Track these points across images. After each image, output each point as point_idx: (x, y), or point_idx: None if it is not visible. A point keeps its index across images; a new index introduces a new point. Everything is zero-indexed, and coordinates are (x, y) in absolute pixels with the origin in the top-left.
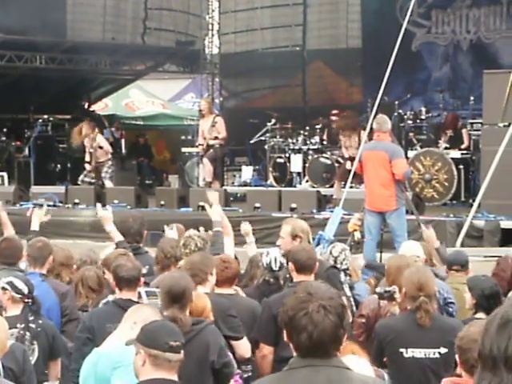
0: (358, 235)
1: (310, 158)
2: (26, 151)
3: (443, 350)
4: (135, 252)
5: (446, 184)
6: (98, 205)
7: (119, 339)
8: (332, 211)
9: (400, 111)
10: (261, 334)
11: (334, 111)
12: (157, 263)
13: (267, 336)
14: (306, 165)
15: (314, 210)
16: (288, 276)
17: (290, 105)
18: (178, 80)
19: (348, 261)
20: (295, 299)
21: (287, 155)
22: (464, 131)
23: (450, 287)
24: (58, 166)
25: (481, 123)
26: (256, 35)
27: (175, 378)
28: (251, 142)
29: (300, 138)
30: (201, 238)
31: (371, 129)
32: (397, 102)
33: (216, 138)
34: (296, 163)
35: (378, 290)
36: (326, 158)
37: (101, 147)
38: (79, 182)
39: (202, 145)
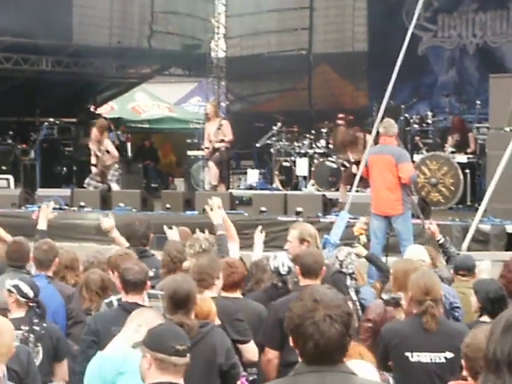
0: (363, 239)
1: (315, 161)
2: (32, 154)
3: (449, 355)
4: (141, 255)
5: (452, 188)
6: (101, 217)
7: (123, 342)
8: (338, 215)
9: (406, 115)
10: (266, 338)
11: (340, 115)
12: (163, 266)
13: (273, 340)
14: (312, 168)
15: (320, 214)
16: (296, 280)
17: (296, 108)
18: (184, 83)
19: (354, 265)
20: (302, 307)
21: (293, 159)
22: (470, 135)
23: (457, 291)
24: (64, 168)
25: (487, 127)
26: (262, 39)
27: (181, 381)
28: (257, 145)
29: (306, 142)
30: (207, 240)
31: (377, 133)
32: (403, 106)
33: (222, 140)
34: (302, 167)
35: (384, 296)
36: (332, 161)
37: (108, 151)
38: (85, 185)
39: (208, 148)
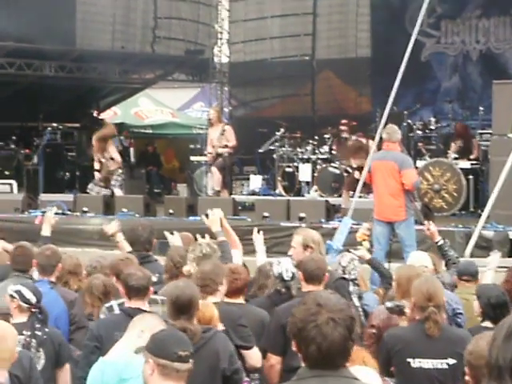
0: (366, 245)
1: (318, 167)
2: (35, 159)
3: (451, 361)
4: (145, 260)
5: (455, 194)
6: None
7: (126, 348)
8: (340, 221)
9: (409, 121)
10: (269, 343)
11: (343, 121)
12: (166, 272)
13: (275, 345)
14: (315, 174)
15: (323, 220)
16: (299, 286)
17: (299, 114)
18: (187, 89)
19: (356, 271)
20: (304, 311)
21: (296, 164)
22: (473, 141)
23: (460, 298)
24: (67, 174)
25: (490, 133)
26: (265, 44)
27: None
28: (260, 151)
29: (309, 148)
30: (208, 245)
31: (380, 139)
32: (406, 112)
33: (225, 146)
34: (305, 172)
35: (388, 304)
36: (335, 167)
37: (112, 158)
38: (88, 191)
39: (211, 153)
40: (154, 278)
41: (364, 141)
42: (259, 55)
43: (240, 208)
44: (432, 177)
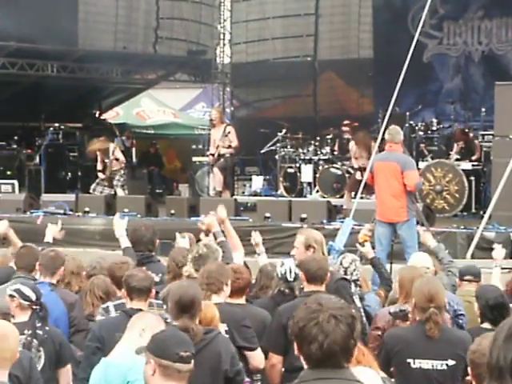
0: (368, 246)
1: (320, 168)
2: (37, 159)
3: (451, 362)
4: (148, 260)
5: (457, 195)
6: (118, 214)
7: (128, 348)
8: (342, 222)
9: (411, 122)
10: (270, 343)
11: (345, 122)
12: (168, 272)
13: (276, 345)
14: (317, 175)
15: (325, 221)
16: (302, 286)
17: (301, 115)
18: (189, 89)
19: (358, 272)
20: (305, 309)
21: (298, 165)
22: (475, 143)
23: (462, 299)
24: (69, 174)
25: (492, 135)
26: (267, 45)
27: None
28: (262, 151)
29: (311, 148)
30: (205, 246)
31: (382, 140)
32: (408, 113)
33: (229, 146)
34: (306, 173)
35: (392, 309)
36: (337, 168)
37: (117, 159)
38: (91, 191)
39: (213, 154)
40: (157, 279)
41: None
42: (261, 56)
43: (242, 209)
44: (434, 178)
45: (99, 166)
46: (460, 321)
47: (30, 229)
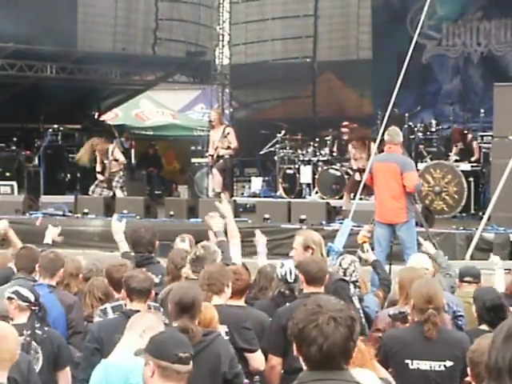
0: (367, 247)
1: (319, 169)
2: (36, 161)
3: (449, 364)
4: (147, 262)
5: (456, 196)
6: (115, 216)
7: (128, 349)
8: (341, 223)
9: (410, 123)
10: (269, 344)
11: (344, 123)
12: (167, 274)
13: (276, 347)
14: (316, 176)
15: (324, 222)
16: (301, 288)
17: (300, 116)
18: (188, 91)
19: (357, 273)
20: (305, 311)
21: (297, 166)
22: (474, 144)
23: (462, 300)
24: (68, 175)
25: (491, 136)
26: (266, 46)
27: None
28: (261, 152)
29: (310, 150)
30: (203, 248)
31: (381, 141)
32: (407, 114)
33: (228, 147)
34: (305, 174)
35: (391, 312)
36: (336, 169)
37: (116, 160)
38: (90, 193)
39: (212, 155)
40: (157, 280)
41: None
42: (260, 57)
43: (241, 210)
44: (433, 179)
45: (98, 168)
46: (459, 322)
47: (29, 230)
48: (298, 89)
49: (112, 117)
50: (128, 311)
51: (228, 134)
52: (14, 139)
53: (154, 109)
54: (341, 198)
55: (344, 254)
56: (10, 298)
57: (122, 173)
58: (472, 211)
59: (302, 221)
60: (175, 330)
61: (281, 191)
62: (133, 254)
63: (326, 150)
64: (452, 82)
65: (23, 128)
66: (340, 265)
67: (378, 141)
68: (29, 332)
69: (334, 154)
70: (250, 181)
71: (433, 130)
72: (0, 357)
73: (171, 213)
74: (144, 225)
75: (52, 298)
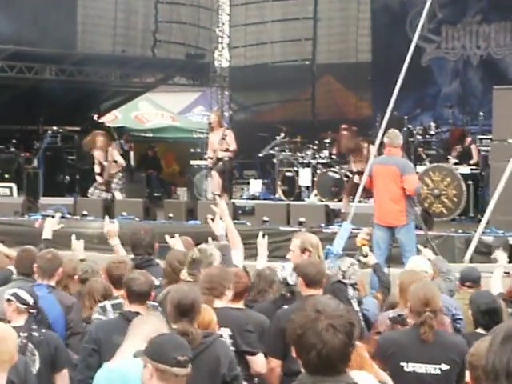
0: (366, 250)
1: (318, 171)
2: (35, 162)
3: (444, 367)
4: (147, 264)
5: (455, 199)
6: (106, 218)
7: (132, 353)
8: (340, 225)
9: (409, 126)
10: (269, 347)
11: (343, 125)
12: (165, 276)
13: (275, 349)
14: (315, 179)
15: (323, 224)
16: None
17: (299, 118)
18: (188, 93)
19: (356, 275)
20: (304, 317)
21: (296, 169)
22: (473, 147)
23: (462, 303)
24: (67, 177)
25: (490, 139)
26: (266, 49)
27: None
28: (260, 155)
29: (309, 152)
30: (200, 251)
31: (380, 143)
32: (406, 117)
33: (227, 150)
34: (305, 177)
35: (391, 315)
36: (335, 172)
37: (115, 161)
38: (89, 195)
39: (211, 158)
40: (157, 282)
41: (364, 144)
42: (260, 59)
43: (240, 212)
44: (432, 182)
45: (97, 169)
46: (458, 325)
47: (28, 232)
48: (298, 91)
49: (111, 119)
50: (127, 313)
51: (226, 135)
52: (14, 141)
53: (154, 111)
54: (340, 200)
55: (343, 257)
56: (8, 300)
57: (121, 174)
58: (471, 214)
59: (301, 223)
60: (174, 332)
61: (280, 194)
62: (132, 256)
63: (326, 153)
64: (451, 84)
65: (22, 130)
66: (339, 267)
67: (377, 143)
68: (25, 334)
69: (333, 157)
70: (249, 183)
71: (432, 132)
72: None
73: (170, 215)
74: (143, 227)
75: (51, 299)
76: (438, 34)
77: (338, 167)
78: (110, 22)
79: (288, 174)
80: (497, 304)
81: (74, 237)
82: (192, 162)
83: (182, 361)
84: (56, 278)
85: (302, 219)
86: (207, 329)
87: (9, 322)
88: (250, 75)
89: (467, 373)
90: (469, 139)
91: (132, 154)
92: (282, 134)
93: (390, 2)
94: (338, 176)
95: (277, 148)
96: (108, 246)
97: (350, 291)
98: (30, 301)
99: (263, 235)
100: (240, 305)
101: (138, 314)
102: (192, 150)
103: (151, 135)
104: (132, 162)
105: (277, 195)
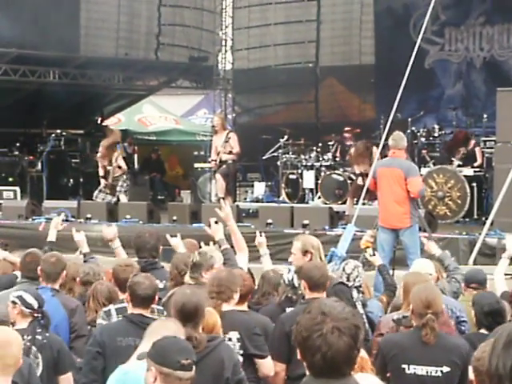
0: (370, 252)
1: (322, 174)
2: (39, 166)
3: (446, 369)
4: (152, 267)
5: (459, 201)
6: (104, 225)
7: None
8: (344, 228)
9: (413, 128)
10: (273, 351)
11: (347, 128)
12: (171, 279)
13: (279, 353)
14: (319, 181)
15: (327, 227)
16: (301, 293)
17: (303, 121)
18: (191, 96)
19: (361, 278)
20: (309, 320)
21: (300, 171)
22: (477, 149)
23: (467, 305)
24: (71, 180)
25: (494, 141)
26: (269, 51)
27: None
28: (264, 157)
29: (312, 155)
30: (200, 255)
31: (384, 146)
32: (410, 119)
33: (230, 152)
34: (308, 179)
35: (395, 317)
36: (339, 174)
37: (120, 167)
38: (94, 198)
39: (215, 160)
40: (161, 285)
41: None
42: (263, 62)
43: (244, 215)
44: (436, 184)
45: (101, 172)
46: (462, 327)
47: (31, 235)
48: (301, 94)
49: (115, 122)
50: (130, 315)
51: (229, 138)
52: (17, 144)
53: (157, 114)
54: (344, 202)
55: (347, 259)
56: (13, 303)
57: (125, 177)
58: (475, 216)
59: (304, 226)
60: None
61: (284, 196)
62: (136, 259)
63: (329, 155)
64: (455, 86)
65: (26, 133)
66: (343, 270)
67: (380, 146)
68: (29, 337)
69: (337, 159)
70: (252, 186)
71: (436, 134)
72: (4, 362)
73: (174, 218)
74: (148, 230)
75: (55, 302)
76: (442, 36)
77: (341, 169)
78: (113, 25)
79: (292, 176)
80: (500, 305)
81: (74, 230)
82: (196, 165)
83: (185, 364)
84: (60, 281)
85: (305, 222)
86: (211, 332)
87: (12, 324)
88: (253, 78)
89: (473, 377)
90: (473, 141)
91: (135, 157)
92: (286, 137)
93: (394, 5)
94: (341, 178)
95: (280, 150)
96: (111, 249)
97: (355, 294)
98: (35, 305)
99: (260, 233)
100: (244, 307)
101: (141, 316)
102: (195, 153)
103: (155, 138)
104: (136, 165)
105: (280, 198)
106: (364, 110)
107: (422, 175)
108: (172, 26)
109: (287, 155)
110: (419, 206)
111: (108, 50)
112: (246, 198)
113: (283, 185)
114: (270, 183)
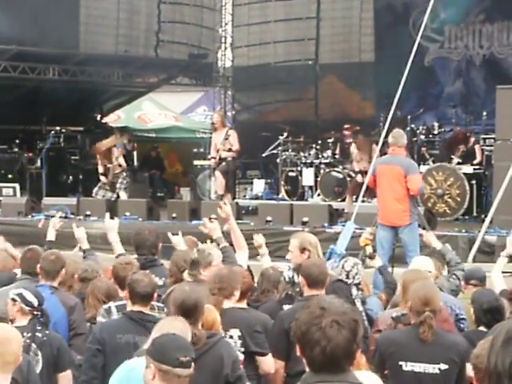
0: (369, 249)
1: (321, 171)
2: (38, 163)
3: (443, 367)
4: (151, 264)
5: (459, 199)
6: (107, 214)
7: None
8: (344, 225)
9: (413, 126)
10: (272, 348)
11: (346, 125)
12: (170, 276)
13: (279, 350)
14: (318, 179)
15: (326, 224)
16: (299, 290)
17: (303, 118)
18: (191, 93)
19: (360, 275)
20: (308, 314)
21: (299, 169)
22: (477, 147)
23: (466, 302)
24: (70, 177)
25: (493, 138)
26: (269, 49)
27: None
28: (263, 155)
29: (312, 152)
30: (198, 252)
31: (383, 143)
32: (409, 117)
33: (230, 149)
34: (308, 177)
35: (394, 314)
36: (338, 171)
37: (120, 165)
38: (93, 195)
39: (215, 158)
40: (160, 282)
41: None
42: (263, 59)
43: (243, 212)
44: (435, 181)
45: (100, 169)
46: (461, 325)
47: (31, 232)
48: (301, 91)
49: (114, 119)
50: (130, 312)
51: (229, 135)
52: (17, 141)
53: (157, 111)
54: (343, 200)
55: (346, 257)
56: (13, 300)
57: (125, 174)
58: (474, 214)
59: (304, 223)
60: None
61: (283, 193)
62: (135, 256)
63: (329, 153)
64: (454, 84)
65: (25, 130)
66: (343, 267)
67: (380, 143)
68: (29, 334)
69: (337, 157)
70: (252, 183)
71: (435, 132)
72: (4, 359)
73: (174, 215)
74: (147, 227)
75: (54, 300)
76: (441, 33)
77: (341, 167)
78: (112, 22)
79: (291, 173)
80: (499, 302)
81: (74, 225)
82: (195, 162)
83: (184, 361)
84: (59, 279)
85: (305, 219)
86: (211, 329)
87: (11, 321)
88: (252, 75)
89: (473, 374)
90: (472, 139)
91: (135, 154)
92: (285, 134)
93: (393, 2)
94: (341, 176)
95: (280, 148)
96: (111, 246)
97: (354, 291)
98: (35, 303)
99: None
100: (243, 304)
101: (141, 313)
102: (195, 150)
103: (154, 135)
104: (135, 162)
105: (280, 195)
106: (364, 107)
107: (421, 173)
108: (172, 23)
109: (287, 152)
110: (419, 203)
111: (108, 47)
112: (245, 196)
113: (283, 182)
114: (269, 180)
